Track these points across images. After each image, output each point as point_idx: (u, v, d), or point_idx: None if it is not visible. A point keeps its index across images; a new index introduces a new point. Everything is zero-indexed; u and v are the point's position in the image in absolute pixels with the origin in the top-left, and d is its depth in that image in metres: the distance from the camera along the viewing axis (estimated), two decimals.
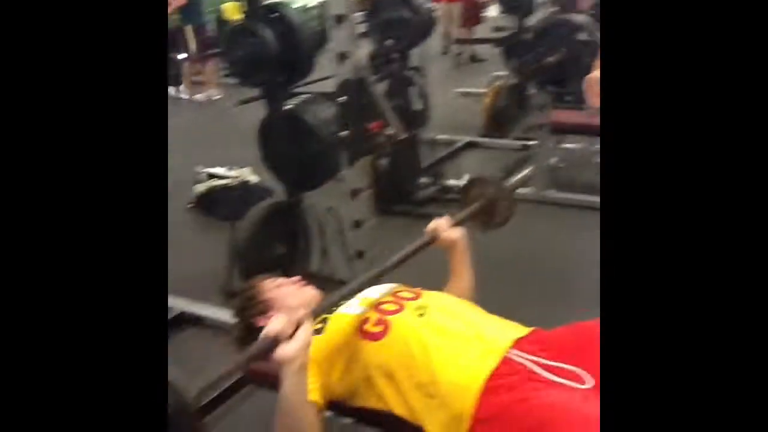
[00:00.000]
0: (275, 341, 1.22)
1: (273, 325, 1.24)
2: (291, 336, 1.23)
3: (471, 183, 1.82)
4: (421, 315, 1.42)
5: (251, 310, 1.56)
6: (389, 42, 3.46)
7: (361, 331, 1.42)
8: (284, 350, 1.21)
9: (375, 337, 1.40)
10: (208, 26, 8.57)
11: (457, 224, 1.69)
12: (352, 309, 1.48)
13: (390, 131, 2.07)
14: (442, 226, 1.65)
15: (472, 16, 8.83)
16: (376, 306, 1.47)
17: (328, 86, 2.69)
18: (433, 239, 1.65)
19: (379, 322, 1.42)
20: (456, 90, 7.04)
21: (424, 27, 3.37)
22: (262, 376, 1.54)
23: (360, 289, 1.51)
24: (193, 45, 7.72)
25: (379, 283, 1.56)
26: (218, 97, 7.57)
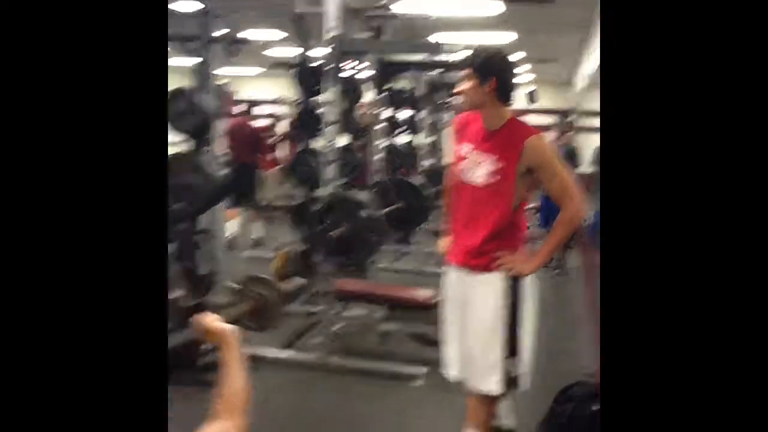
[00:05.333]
0: None
1: None
2: None
3: (247, 280, 1.86)
4: None
5: None
6: (178, 206, 3.46)
7: None
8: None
9: None
10: None
11: (229, 321, 1.61)
12: None
13: (176, 296, 2.03)
14: (208, 319, 1.54)
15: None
16: None
17: None
18: (201, 333, 1.53)
19: None
20: (245, 253, 7.08)
21: (213, 192, 3.44)
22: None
23: None
24: None
25: None
26: None
